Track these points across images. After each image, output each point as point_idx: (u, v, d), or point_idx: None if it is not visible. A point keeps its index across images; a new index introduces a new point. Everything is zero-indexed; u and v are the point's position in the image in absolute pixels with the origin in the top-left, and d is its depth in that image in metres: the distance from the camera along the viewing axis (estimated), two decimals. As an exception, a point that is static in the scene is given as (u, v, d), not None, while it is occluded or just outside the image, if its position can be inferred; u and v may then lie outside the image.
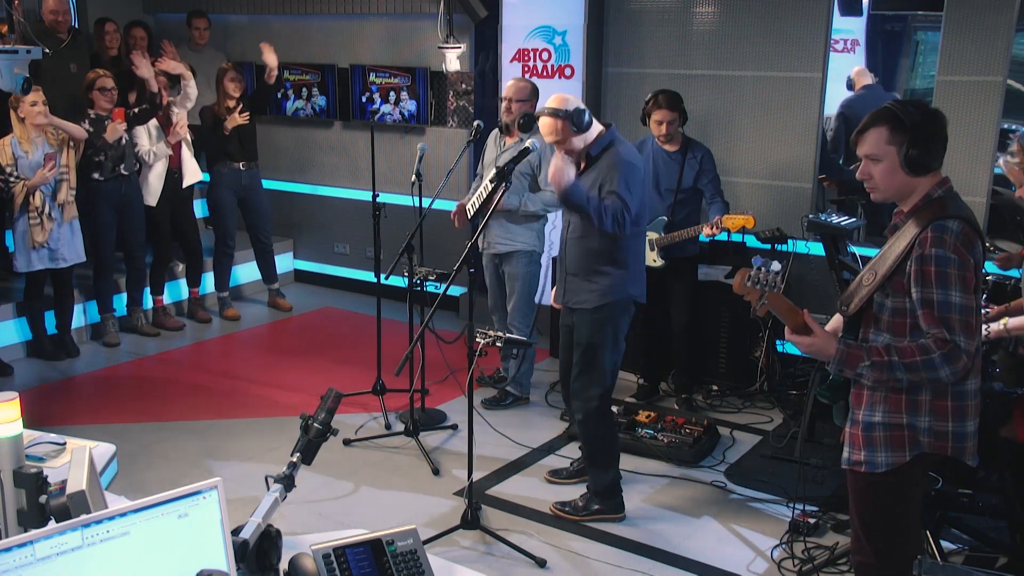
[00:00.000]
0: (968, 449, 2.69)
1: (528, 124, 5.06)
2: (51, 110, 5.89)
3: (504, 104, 5.27)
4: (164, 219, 6.72)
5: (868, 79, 7.01)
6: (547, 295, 6.48)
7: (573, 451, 4.82)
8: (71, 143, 5.93)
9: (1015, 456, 3.59)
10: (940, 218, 2.58)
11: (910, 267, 2.59)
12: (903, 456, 2.69)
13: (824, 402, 2.95)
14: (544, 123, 3.96)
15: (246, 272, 7.63)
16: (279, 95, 7.78)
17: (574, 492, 4.42)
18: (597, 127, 3.99)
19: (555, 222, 5.50)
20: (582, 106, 3.94)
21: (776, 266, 2.58)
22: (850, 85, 7.07)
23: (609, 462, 4.26)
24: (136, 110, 6.34)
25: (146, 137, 6.45)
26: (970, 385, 2.66)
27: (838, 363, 2.63)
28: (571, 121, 3.90)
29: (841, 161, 6.75)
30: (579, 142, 3.96)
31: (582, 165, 4.04)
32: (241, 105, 6.67)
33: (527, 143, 4.47)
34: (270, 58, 6.62)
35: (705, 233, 5.10)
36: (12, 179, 5.66)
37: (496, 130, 5.46)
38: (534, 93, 5.28)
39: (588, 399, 4.15)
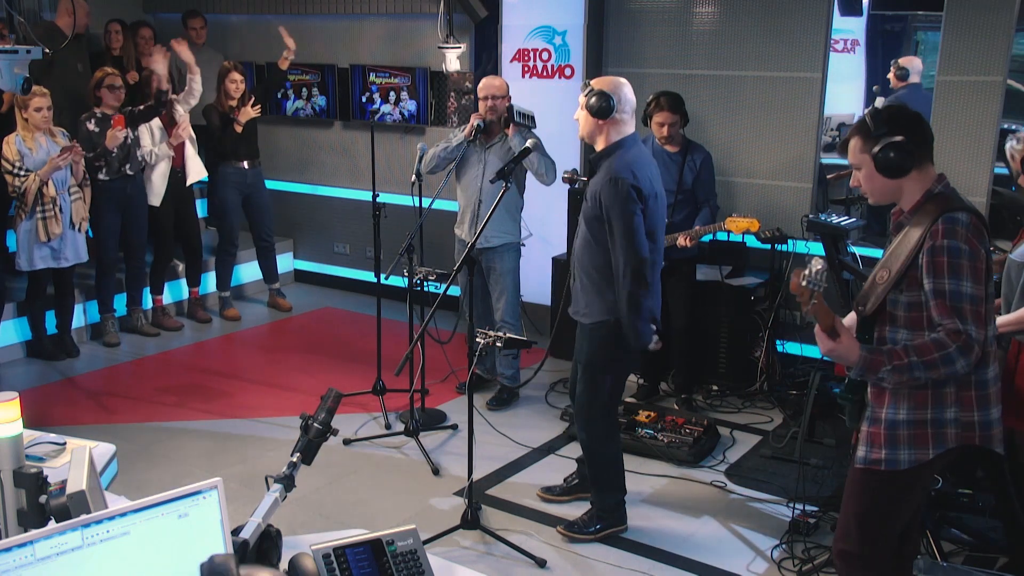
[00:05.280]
0: (995, 436, 2.73)
1: (511, 117, 5.09)
2: (57, 110, 5.90)
3: (487, 103, 5.18)
4: (167, 219, 6.71)
5: (916, 76, 6.58)
6: (533, 290, 6.51)
7: (573, 450, 4.81)
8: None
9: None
10: (949, 210, 2.63)
11: (922, 259, 2.62)
12: (926, 454, 2.71)
13: (844, 404, 2.94)
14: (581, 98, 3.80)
15: (247, 272, 7.63)
16: (279, 95, 7.79)
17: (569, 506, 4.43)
18: (619, 131, 3.77)
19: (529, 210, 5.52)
20: (613, 96, 3.70)
21: (821, 264, 2.57)
22: (903, 76, 6.65)
23: (617, 483, 4.13)
24: (141, 107, 6.33)
25: (148, 137, 6.44)
26: (990, 373, 2.71)
27: (860, 369, 2.64)
28: (587, 101, 3.73)
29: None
30: (590, 132, 3.79)
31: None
32: (253, 98, 6.70)
33: (527, 143, 4.49)
34: (289, 41, 6.78)
35: (679, 243, 5.10)
36: (22, 172, 5.66)
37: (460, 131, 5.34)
38: (508, 88, 5.28)
39: (591, 419, 4.04)
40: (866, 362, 2.63)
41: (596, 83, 3.80)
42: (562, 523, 4.17)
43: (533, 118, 5.08)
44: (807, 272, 2.56)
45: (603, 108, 3.71)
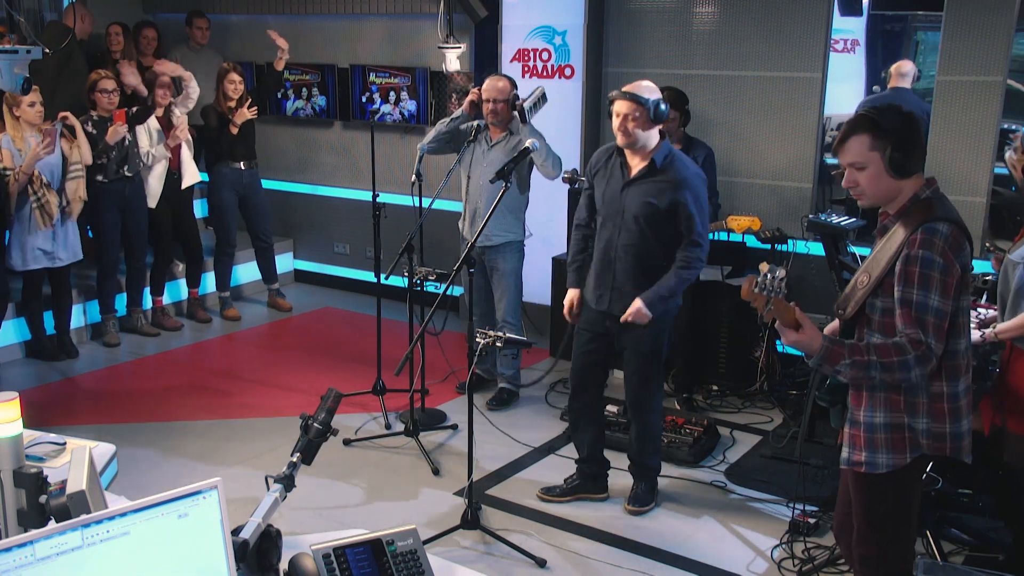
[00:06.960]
0: (964, 448, 2.73)
1: (522, 118, 5.08)
2: (61, 111, 5.90)
3: (489, 106, 5.18)
4: (165, 220, 6.72)
5: (906, 80, 6.64)
6: (533, 290, 6.50)
7: (573, 451, 4.80)
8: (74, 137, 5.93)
9: (982, 449, 3.58)
10: (930, 220, 2.61)
11: (897, 267, 2.62)
12: (904, 458, 2.72)
13: (823, 405, 2.97)
14: (620, 105, 3.92)
15: (246, 272, 7.62)
16: (279, 95, 7.79)
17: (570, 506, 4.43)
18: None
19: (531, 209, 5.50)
20: (661, 97, 3.93)
21: (781, 272, 2.59)
22: (886, 80, 6.77)
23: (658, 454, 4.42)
24: (133, 109, 6.35)
25: (146, 138, 6.44)
26: (961, 385, 2.70)
27: (820, 359, 2.64)
28: (650, 111, 3.90)
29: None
30: (648, 137, 3.95)
31: (630, 171, 4.00)
32: (250, 100, 6.70)
33: (527, 143, 4.49)
34: (281, 41, 6.78)
35: None
36: (6, 171, 5.63)
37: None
38: (514, 86, 5.24)
39: (655, 403, 4.25)
40: (826, 352, 2.63)
41: (641, 91, 3.93)
42: (625, 505, 4.34)
43: (543, 96, 5.03)
44: (760, 279, 2.57)
45: (666, 112, 3.99)
